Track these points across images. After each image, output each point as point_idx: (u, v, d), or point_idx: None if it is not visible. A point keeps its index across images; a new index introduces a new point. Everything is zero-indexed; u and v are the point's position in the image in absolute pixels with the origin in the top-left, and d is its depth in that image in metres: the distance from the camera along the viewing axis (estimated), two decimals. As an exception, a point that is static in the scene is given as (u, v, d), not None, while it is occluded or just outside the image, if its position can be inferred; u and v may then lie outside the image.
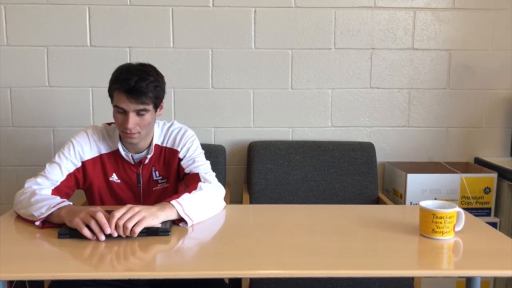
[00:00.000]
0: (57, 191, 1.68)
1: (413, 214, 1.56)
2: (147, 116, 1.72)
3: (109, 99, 1.76)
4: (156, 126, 1.85)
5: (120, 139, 1.82)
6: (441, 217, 1.40)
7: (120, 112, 1.70)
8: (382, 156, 2.76)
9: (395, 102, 2.73)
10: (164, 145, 1.87)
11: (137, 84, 1.66)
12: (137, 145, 1.80)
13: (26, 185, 1.67)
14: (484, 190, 2.52)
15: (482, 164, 2.69)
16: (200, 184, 1.68)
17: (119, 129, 1.75)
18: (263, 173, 2.57)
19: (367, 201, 2.56)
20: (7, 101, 2.61)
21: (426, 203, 1.46)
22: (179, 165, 1.85)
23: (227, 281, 1.71)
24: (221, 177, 2.48)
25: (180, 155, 1.85)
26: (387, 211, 1.82)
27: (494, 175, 2.52)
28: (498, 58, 2.71)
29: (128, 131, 1.71)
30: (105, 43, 2.59)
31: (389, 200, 2.50)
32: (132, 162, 1.83)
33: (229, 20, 2.60)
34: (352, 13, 2.63)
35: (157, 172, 1.86)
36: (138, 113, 1.70)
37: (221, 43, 2.62)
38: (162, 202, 1.55)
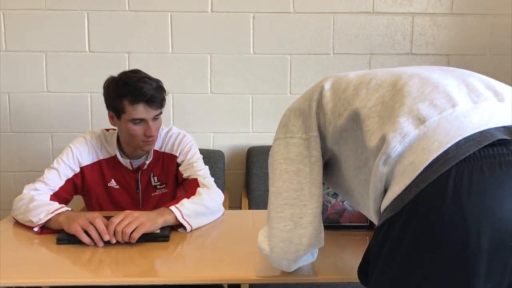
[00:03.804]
0: (55, 196, 1.68)
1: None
2: (160, 118, 1.75)
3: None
4: (154, 131, 1.85)
5: (119, 145, 1.82)
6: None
7: (138, 123, 1.70)
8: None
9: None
10: (162, 150, 1.86)
11: (153, 92, 1.67)
12: (137, 151, 1.81)
13: (25, 190, 1.66)
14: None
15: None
16: (198, 189, 1.68)
17: (137, 140, 1.73)
18: (262, 178, 2.56)
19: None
20: (5, 107, 2.61)
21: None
22: (177, 170, 1.85)
23: (226, 287, 1.71)
24: (220, 182, 2.47)
25: (178, 160, 1.84)
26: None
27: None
28: (496, 63, 2.72)
29: (151, 139, 1.72)
30: (103, 49, 2.59)
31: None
32: (131, 168, 1.83)
33: (227, 26, 2.60)
34: (350, 18, 2.64)
35: (155, 178, 1.86)
36: (154, 118, 1.71)
37: (220, 48, 2.62)
38: (161, 208, 1.55)
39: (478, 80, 0.95)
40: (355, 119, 0.96)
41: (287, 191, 1.09)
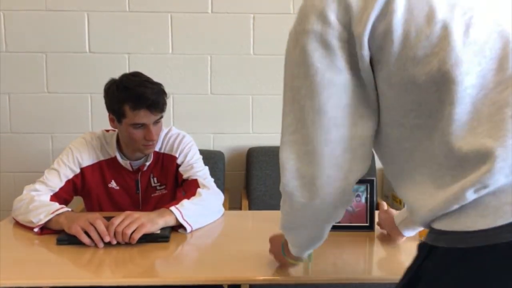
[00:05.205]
0: (55, 197, 1.68)
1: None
2: (161, 122, 1.75)
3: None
4: (154, 132, 1.85)
5: (118, 146, 1.82)
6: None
7: (138, 128, 1.69)
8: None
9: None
10: (162, 151, 1.86)
11: (154, 97, 1.66)
12: (136, 153, 1.81)
13: (25, 191, 1.66)
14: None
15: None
16: (198, 190, 1.68)
17: (137, 144, 1.73)
18: (262, 179, 2.57)
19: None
20: (6, 107, 2.61)
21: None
22: (177, 171, 1.85)
23: (226, 287, 1.71)
24: (220, 183, 2.47)
25: (178, 161, 1.84)
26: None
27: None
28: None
29: (151, 143, 1.71)
30: (104, 49, 2.59)
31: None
32: (131, 169, 1.83)
33: (228, 26, 2.60)
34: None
35: (155, 179, 1.86)
36: (155, 122, 1.71)
37: (220, 49, 2.62)
38: (161, 209, 1.55)
39: None
40: (440, 85, 0.76)
41: (335, 109, 0.85)
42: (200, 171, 1.81)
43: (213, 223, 1.65)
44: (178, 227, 1.54)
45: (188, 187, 1.76)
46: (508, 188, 0.71)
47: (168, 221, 1.51)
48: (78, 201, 1.99)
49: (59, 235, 1.46)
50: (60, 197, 1.70)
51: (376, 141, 0.92)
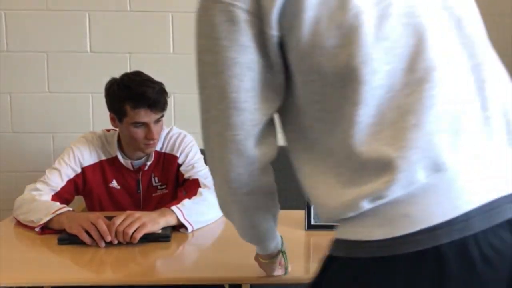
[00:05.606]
0: (56, 197, 1.68)
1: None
2: (162, 121, 1.75)
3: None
4: (155, 132, 1.85)
5: (119, 146, 1.82)
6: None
7: (139, 127, 1.70)
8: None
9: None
10: (163, 150, 1.86)
11: (155, 96, 1.67)
12: (137, 152, 1.81)
13: (26, 191, 1.67)
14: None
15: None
16: (200, 189, 1.68)
17: (138, 143, 1.74)
18: (263, 178, 2.56)
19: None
20: (7, 107, 2.61)
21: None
22: (178, 171, 1.85)
23: (227, 287, 1.71)
24: (221, 183, 2.47)
25: (179, 161, 1.84)
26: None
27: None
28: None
29: (152, 142, 1.71)
30: (105, 49, 2.58)
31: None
32: (132, 169, 1.83)
33: (228, 26, 2.60)
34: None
35: (156, 178, 1.86)
36: (156, 121, 1.71)
37: (221, 48, 2.62)
38: (162, 208, 1.55)
39: (495, 95, 0.75)
40: (346, 81, 0.71)
41: (236, 91, 0.78)
42: (201, 171, 1.81)
43: (214, 223, 1.65)
44: (179, 226, 1.54)
45: (189, 187, 1.76)
46: (404, 199, 0.68)
47: (169, 220, 1.51)
48: (79, 200, 1.99)
49: (60, 234, 1.46)
50: (61, 196, 1.70)
51: (289, 128, 0.86)
